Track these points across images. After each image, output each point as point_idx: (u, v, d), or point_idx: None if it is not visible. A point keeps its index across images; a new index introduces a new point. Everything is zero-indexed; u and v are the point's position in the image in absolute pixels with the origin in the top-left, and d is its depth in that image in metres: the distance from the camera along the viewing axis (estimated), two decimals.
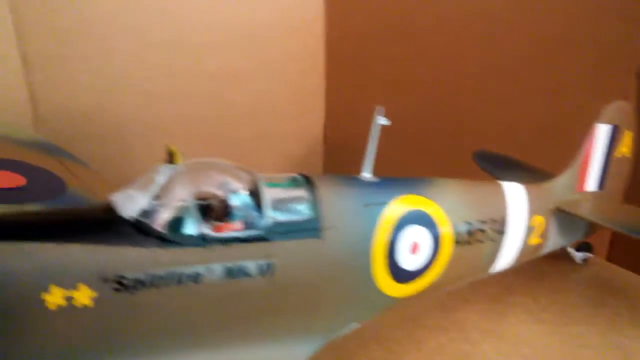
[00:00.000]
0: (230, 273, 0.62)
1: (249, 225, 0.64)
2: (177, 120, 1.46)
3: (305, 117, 1.73)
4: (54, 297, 0.54)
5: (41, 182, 0.98)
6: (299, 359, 0.69)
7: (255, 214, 0.65)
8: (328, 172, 1.75)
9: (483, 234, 0.84)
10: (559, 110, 1.24)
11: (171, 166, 0.62)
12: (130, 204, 0.60)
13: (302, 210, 0.68)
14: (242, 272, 0.63)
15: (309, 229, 0.67)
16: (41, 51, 1.27)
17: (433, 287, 0.81)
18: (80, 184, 1.03)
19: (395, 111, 1.55)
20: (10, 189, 0.92)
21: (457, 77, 1.43)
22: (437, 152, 1.49)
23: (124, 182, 0.63)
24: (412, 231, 0.76)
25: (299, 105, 1.69)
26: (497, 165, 1.14)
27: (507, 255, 0.89)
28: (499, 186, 0.90)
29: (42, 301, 0.54)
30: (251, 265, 0.63)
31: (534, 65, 1.30)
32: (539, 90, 1.29)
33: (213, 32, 1.45)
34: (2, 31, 1.19)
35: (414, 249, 0.76)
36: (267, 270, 0.64)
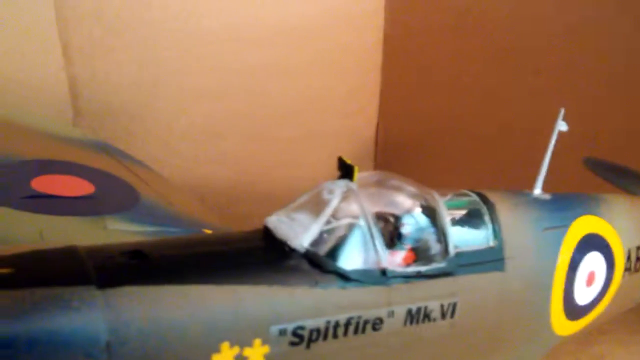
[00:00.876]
0: (412, 317, 0.49)
1: (428, 256, 0.51)
2: (224, 118, 1.34)
3: (357, 116, 1.61)
4: (224, 357, 0.41)
5: (110, 189, 0.85)
6: None
7: (436, 243, 0.52)
8: None
9: None
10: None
11: (346, 183, 0.49)
12: (298, 231, 0.47)
13: (483, 237, 0.55)
14: (424, 316, 0.50)
15: (491, 259, 0.55)
16: (83, 41, 1.14)
17: (594, 324, 0.69)
18: (150, 190, 0.90)
19: (455, 113, 1.45)
20: (78, 198, 0.79)
21: (526, 77, 1.32)
22: (500, 155, 1.38)
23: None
24: (590, 259, 0.64)
25: (350, 103, 1.58)
26: (615, 174, 1.02)
27: None
28: None
29: None
30: (434, 306, 0.51)
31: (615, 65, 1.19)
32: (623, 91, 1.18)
33: (263, 24, 1.32)
34: (42, 18, 1.07)
35: (590, 280, 0.64)
36: (449, 312, 0.52)
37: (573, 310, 0.64)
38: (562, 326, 0.64)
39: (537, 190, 0.64)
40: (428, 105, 1.49)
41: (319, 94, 1.48)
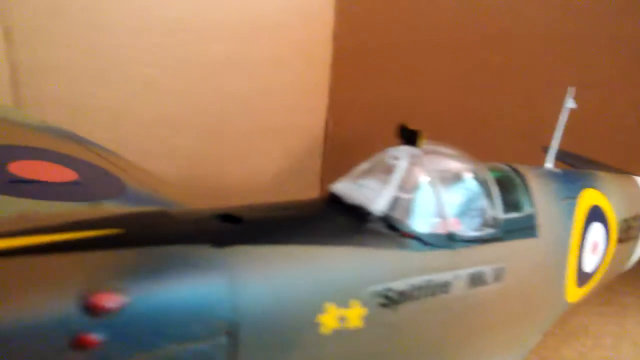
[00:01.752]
0: (473, 281, 0.51)
1: (483, 222, 0.53)
2: (175, 111, 1.29)
3: (306, 111, 1.62)
4: (330, 319, 0.40)
5: (93, 176, 0.80)
6: None
7: (489, 209, 0.53)
8: (326, 172, 1.66)
9: (635, 232, 0.78)
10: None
11: (413, 149, 0.49)
12: (370, 196, 0.47)
13: (521, 206, 0.58)
14: (481, 279, 0.52)
15: (528, 226, 0.57)
16: (27, 26, 1.07)
17: (592, 291, 0.74)
18: (131, 178, 0.86)
19: (405, 108, 1.48)
20: (63, 183, 0.74)
21: (468, 71, 1.39)
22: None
23: None
24: (594, 229, 0.68)
25: (300, 98, 1.58)
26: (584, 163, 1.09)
27: (637, 253, 0.84)
28: (634, 180, 0.84)
29: (317, 324, 0.39)
30: (488, 271, 0.52)
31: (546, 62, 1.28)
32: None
33: (215, 18, 1.30)
34: None
35: (595, 248, 0.69)
36: (499, 275, 0.54)
37: (581, 277, 0.68)
38: (572, 293, 0.68)
39: (549, 164, 0.68)
40: (377, 101, 1.51)
41: (270, 89, 1.46)
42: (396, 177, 0.47)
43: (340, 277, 0.41)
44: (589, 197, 0.68)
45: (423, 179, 0.48)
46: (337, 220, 0.45)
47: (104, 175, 0.83)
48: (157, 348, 0.31)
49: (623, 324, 0.87)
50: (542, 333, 0.66)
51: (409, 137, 0.49)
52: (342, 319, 0.40)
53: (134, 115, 1.25)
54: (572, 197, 0.65)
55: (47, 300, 0.30)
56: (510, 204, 0.56)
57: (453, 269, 0.49)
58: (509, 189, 0.58)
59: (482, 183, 0.53)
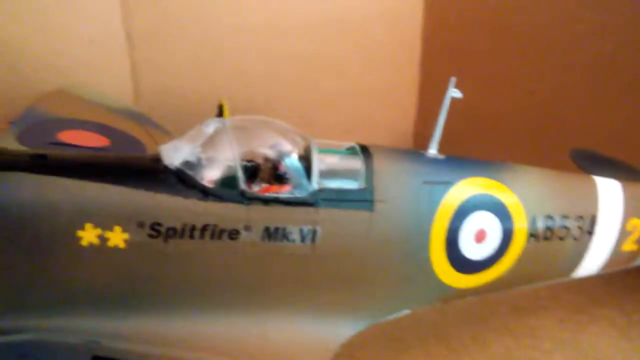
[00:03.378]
0: (270, 235, 0.60)
1: (295, 189, 0.61)
2: (267, 103, 1.46)
3: (395, 109, 1.67)
4: (88, 235, 0.54)
5: (123, 144, 1.02)
6: (341, 337, 0.65)
7: (303, 178, 0.61)
8: None
9: (566, 231, 0.75)
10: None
11: (220, 120, 0.61)
12: (174, 153, 0.59)
13: (354, 180, 0.64)
14: (282, 236, 0.60)
15: (358, 199, 0.63)
16: (144, 28, 1.30)
17: (501, 283, 0.74)
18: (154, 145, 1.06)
19: (492, 109, 1.46)
20: (93, 148, 0.96)
21: (560, 74, 1.32)
22: (531, 152, 1.38)
23: None
24: (479, 217, 0.69)
25: (389, 96, 1.64)
26: (595, 164, 1.02)
27: (594, 260, 0.79)
28: (591, 180, 0.80)
29: (76, 237, 0.54)
30: (293, 230, 0.60)
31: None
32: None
33: (308, 16, 1.42)
34: (108, 7, 1.24)
35: (480, 237, 0.70)
36: (309, 237, 0.61)
37: (463, 263, 0.70)
38: (452, 276, 0.70)
39: (432, 151, 0.71)
40: (467, 100, 1.51)
41: (360, 85, 1.55)
42: (197, 142, 0.59)
43: (105, 206, 0.54)
44: (473, 185, 0.69)
45: (225, 145, 0.59)
46: (134, 168, 0.59)
47: (133, 144, 1.05)
48: None
49: (579, 333, 0.82)
50: (410, 307, 0.70)
51: (219, 109, 0.61)
52: (102, 237, 0.54)
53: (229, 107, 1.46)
54: (444, 182, 0.68)
55: None
56: (340, 178, 0.63)
57: (245, 221, 0.59)
58: (345, 165, 0.65)
59: (302, 156, 0.62)
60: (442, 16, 1.57)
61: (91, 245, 0.54)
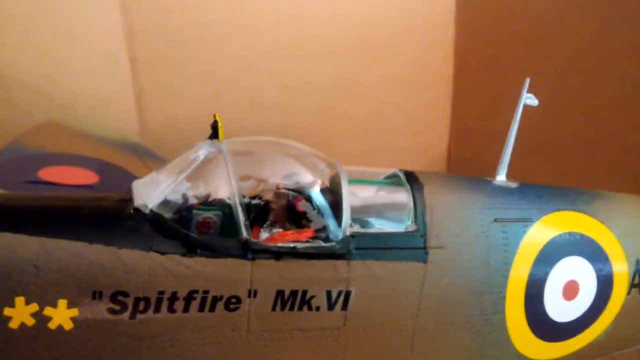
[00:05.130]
0: (285, 302, 0.42)
1: (319, 235, 0.44)
2: (284, 132, 1.32)
3: (426, 132, 1.53)
4: (19, 313, 0.37)
5: (114, 180, 0.88)
6: None
7: (329, 220, 0.44)
8: None
9: None
10: None
11: (214, 142, 0.44)
12: (150, 190, 0.42)
13: (399, 220, 0.46)
14: (302, 302, 0.42)
15: (407, 247, 0.45)
16: (150, 54, 1.19)
17: (592, 351, 0.55)
18: None
19: (530, 126, 1.30)
20: (79, 186, 0.83)
21: (607, 89, 1.16)
22: (582, 172, 1.21)
23: None
24: (568, 265, 0.51)
25: (419, 119, 1.50)
26: None
27: None
28: None
29: (2, 317, 0.37)
30: (317, 293, 0.43)
31: None
32: None
33: (326, 39, 1.31)
34: (111, 32, 1.13)
35: (571, 291, 0.51)
36: (340, 303, 0.43)
37: (547, 328, 0.51)
38: (533, 346, 0.51)
39: (500, 177, 0.53)
40: (503, 122, 1.37)
41: (386, 110, 1.43)
42: (181, 174, 0.42)
43: (44, 272, 0.37)
44: (560, 221, 0.51)
45: (218, 175, 0.42)
46: (94, 215, 0.42)
47: (127, 178, 0.90)
48: None
49: None
50: None
51: (213, 128, 0.44)
52: (39, 317, 0.37)
53: (242, 134, 1.32)
54: (521, 219, 0.50)
55: None
56: (380, 216, 0.46)
57: (248, 283, 0.41)
58: (387, 199, 0.47)
59: (328, 188, 0.44)
60: (476, 30, 1.44)
61: (23, 327, 0.37)
